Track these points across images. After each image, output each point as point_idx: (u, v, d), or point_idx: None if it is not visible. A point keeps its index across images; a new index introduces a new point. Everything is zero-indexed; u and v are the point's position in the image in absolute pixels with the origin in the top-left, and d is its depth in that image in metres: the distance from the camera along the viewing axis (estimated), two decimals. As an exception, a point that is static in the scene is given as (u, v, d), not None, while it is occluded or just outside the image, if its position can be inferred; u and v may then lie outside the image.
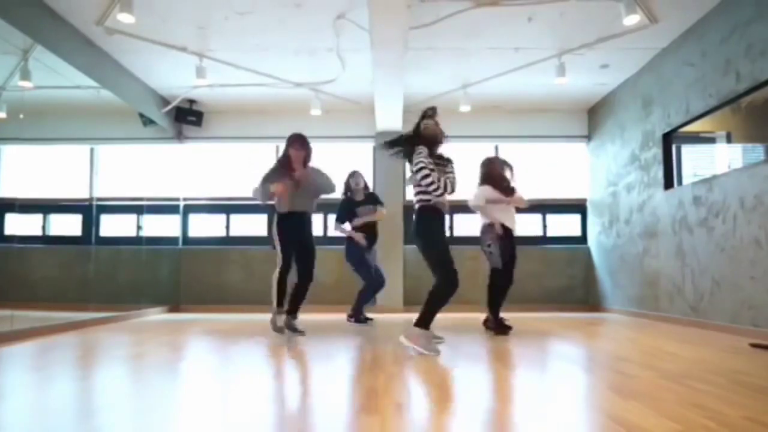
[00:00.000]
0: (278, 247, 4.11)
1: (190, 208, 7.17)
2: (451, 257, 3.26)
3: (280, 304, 4.10)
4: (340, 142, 7.11)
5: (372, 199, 5.21)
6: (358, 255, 5.07)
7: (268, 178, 4.14)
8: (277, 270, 4.08)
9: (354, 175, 5.19)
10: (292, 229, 4.15)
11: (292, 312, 4.17)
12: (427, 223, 3.35)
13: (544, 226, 7.11)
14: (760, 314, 3.87)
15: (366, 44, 4.69)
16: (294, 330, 4.09)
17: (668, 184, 5.22)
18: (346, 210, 5.12)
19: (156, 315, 6.19)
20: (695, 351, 3.27)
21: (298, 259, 4.18)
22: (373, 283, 5.07)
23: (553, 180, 7.17)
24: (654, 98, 5.40)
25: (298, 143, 4.14)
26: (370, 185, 6.98)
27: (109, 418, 1.81)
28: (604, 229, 6.60)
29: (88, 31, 4.77)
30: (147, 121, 6.17)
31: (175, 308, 6.73)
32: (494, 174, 4.49)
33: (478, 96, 6.31)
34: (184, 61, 5.34)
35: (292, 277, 4.21)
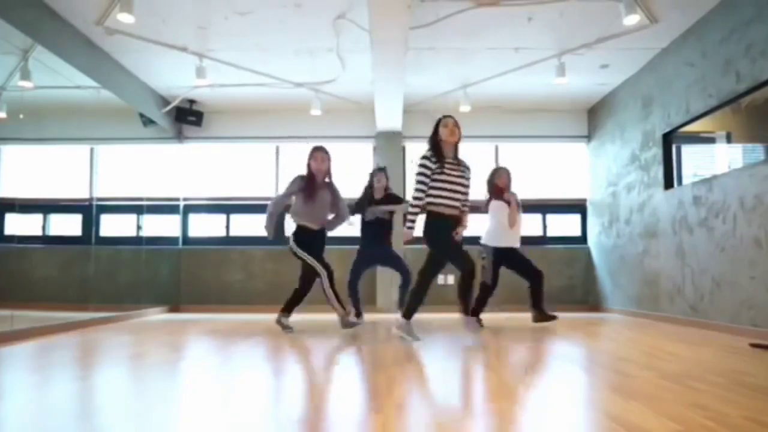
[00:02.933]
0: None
1: (190, 208, 7.17)
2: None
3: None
4: (340, 142, 7.11)
5: (391, 200, 5.07)
6: (359, 255, 5.07)
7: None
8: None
9: (375, 172, 5.12)
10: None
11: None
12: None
13: (544, 226, 7.11)
14: (760, 314, 3.87)
15: (366, 44, 4.69)
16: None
17: (668, 184, 5.22)
18: (358, 203, 5.05)
19: (156, 315, 6.19)
20: (695, 351, 3.27)
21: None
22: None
23: (553, 180, 7.17)
24: (654, 98, 5.40)
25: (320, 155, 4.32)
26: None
27: (109, 418, 1.81)
28: (604, 229, 6.60)
29: (88, 31, 4.77)
30: (147, 121, 6.17)
31: (175, 308, 6.73)
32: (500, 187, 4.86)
33: (478, 96, 6.31)
34: (184, 61, 5.34)
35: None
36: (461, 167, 3.78)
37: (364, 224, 5.03)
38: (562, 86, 5.88)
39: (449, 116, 3.80)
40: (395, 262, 5.05)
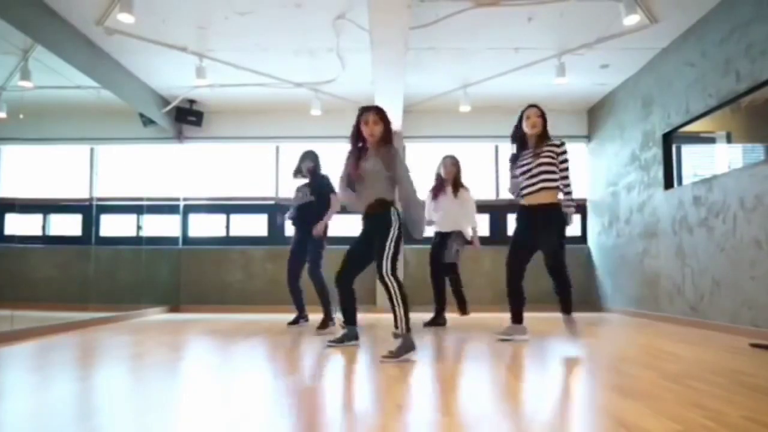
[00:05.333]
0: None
1: (190, 208, 7.17)
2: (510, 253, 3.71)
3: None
4: (340, 142, 7.09)
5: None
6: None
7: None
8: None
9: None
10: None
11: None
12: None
13: (544, 226, 7.10)
14: (760, 314, 3.87)
15: (366, 44, 4.69)
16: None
17: (668, 184, 5.22)
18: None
19: (156, 315, 6.19)
20: (695, 351, 3.27)
21: None
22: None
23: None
24: (654, 98, 5.40)
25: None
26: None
27: (109, 418, 1.81)
28: (604, 229, 6.60)
29: (88, 31, 4.77)
30: (147, 121, 6.17)
31: (175, 308, 6.73)
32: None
33: (478, 96, 6.31)
34: (184, 61, 5.33)
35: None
36: (539, 152, 3.66)
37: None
38: (562, 86, 5.88)
39: (533, 106, 3.74)
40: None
